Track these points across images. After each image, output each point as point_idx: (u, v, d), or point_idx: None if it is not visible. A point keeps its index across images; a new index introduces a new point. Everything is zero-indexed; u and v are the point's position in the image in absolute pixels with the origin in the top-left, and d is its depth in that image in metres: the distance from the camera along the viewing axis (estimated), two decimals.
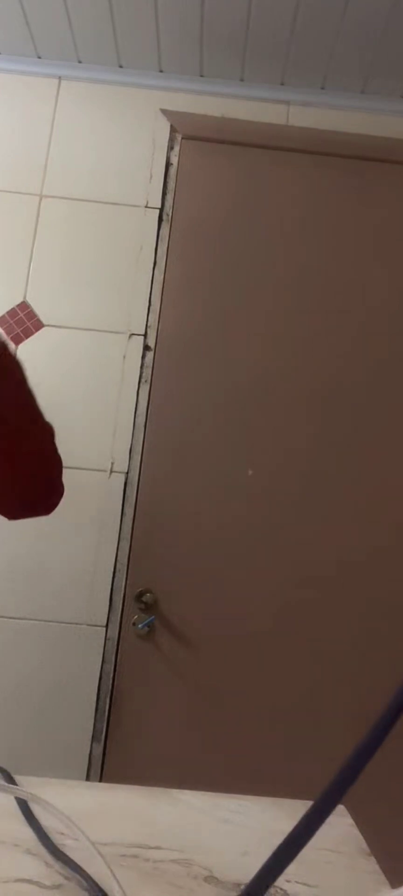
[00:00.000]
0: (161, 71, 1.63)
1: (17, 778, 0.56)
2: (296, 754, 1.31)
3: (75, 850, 0.46)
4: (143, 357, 1.51)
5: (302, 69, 1.57)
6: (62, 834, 0.48)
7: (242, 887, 0.28)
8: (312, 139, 1.61)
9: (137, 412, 1.48)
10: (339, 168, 1.60)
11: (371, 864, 0.49)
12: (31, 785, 0.56)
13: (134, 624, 1.37)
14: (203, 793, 0.59)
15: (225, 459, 1.46)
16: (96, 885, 0.41)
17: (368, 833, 0.55)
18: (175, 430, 1.47)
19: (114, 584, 1.41)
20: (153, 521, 1.43)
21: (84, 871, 0.43)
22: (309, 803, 0.26)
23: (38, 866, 0.44)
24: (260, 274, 1.55)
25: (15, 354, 0.71)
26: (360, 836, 0.54)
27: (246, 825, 0.54)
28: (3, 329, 1.50)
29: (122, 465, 1.46)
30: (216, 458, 1.46)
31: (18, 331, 1.50)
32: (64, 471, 1.45)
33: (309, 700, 1.36)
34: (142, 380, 1.50)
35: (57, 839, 0.47)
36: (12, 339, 1.50)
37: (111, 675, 1.37)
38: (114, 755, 1.34)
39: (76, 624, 1.39)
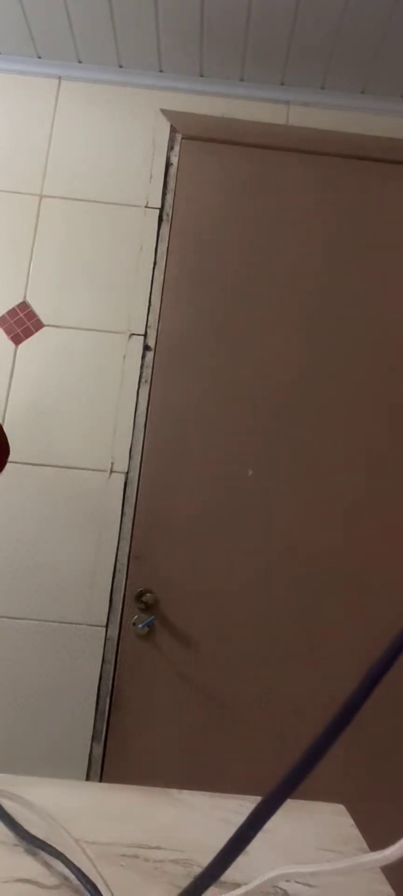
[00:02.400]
0: (161, 71, 1.63)
1: (17, 777, 0.56)
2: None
3: (75, 851, 0.46)
4: (143, 357, 1.51)
5: (302, 69, 1.57)
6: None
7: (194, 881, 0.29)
8: (312, 139, 1.61)
9: (137, 412, 1.48)
10: (339, 168, 1.60)
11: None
12: (30, 785, 0.56)
13: (134, 624, 1.37)
14: (203, 793, 0.59)
15: (225, 459, 1.46)
16: (82, 873, 0.41)
17: (368, 833, 0.55)
18: (175, 430, 1.47)
19: (114, 584, 1.41)
20: (153, 521, 1.43)
21: (69, 860, 0.43)
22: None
23: (38, 866, 0.44)
24: (259, 273, 1.55)
25: None
26: (360, 836, 0.54)
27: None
28: (3, 329, 1.51)
29: (122, 465, 1.46)
30: (216, 458, 1.46)
31: (18, 331, 1.51)
32: (64, 471, 1.46)
33: (309, 700, 1.36)
34: (142, 380, 1.50)
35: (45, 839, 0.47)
36: (12, 339, 1.50)
37: (111, 675, 1.37)
38: (114, 755, 1.34)
39: (76, 624, 1.39)
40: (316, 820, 0.56)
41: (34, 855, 0.45)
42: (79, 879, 0.41)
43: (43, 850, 0.44)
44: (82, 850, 0.45)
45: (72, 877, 0.42)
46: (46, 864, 0.45)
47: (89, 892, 0.40)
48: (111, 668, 1.37)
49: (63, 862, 0.43)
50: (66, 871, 0.43)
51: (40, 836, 0.47)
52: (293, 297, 1.54)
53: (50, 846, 0.45)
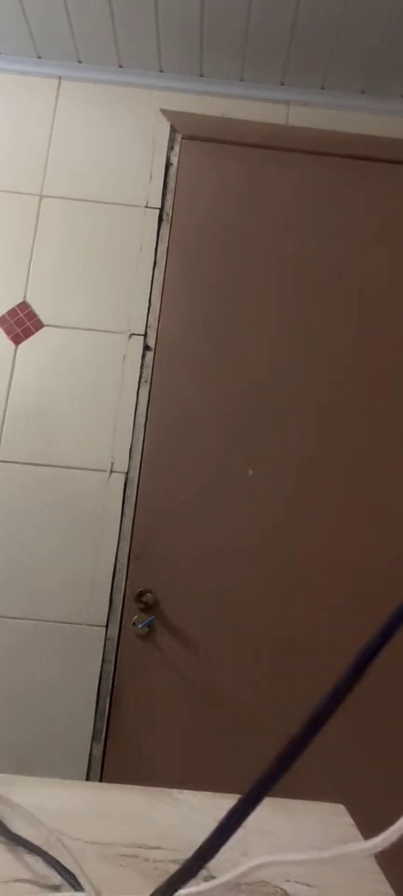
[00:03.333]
0: (161, 71, 1.63)
1: (17, 777, 0.56)
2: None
3: (75, 851, 0.46)
4: (143, 357, 1.51)
5: (302, 69, 1.57)
6: (62, 834, 0.48)
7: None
8: (312, 139, 1.61)
9: (137, 412, 1.48)
10: (339, 168, 1.60)
11: (371, 864, 0.49)
12: (29, 785, 0.56)
13: (134, 624, 1.37)
14: (203, 793, 0.59)
15: (225, 459, 1.46)
16: (60, 863, 0.41)
17: (368, 833, 0.54)
18: (175, 430, 1.47)
19: (114, 584, 1.41)
20: (153, 521, 1.43)
21: (49, 854, 0.43)
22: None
23: (38, 866, 0.44)
24: (259, 273, 1.55)
25: None
26: (360, 836, 0.54)
27: (246, 825, 0.54)
28: (3, 329, 1.51)
29: (122, 465, 1.46)
30: (216, 457, 1.46)
31: (18, 331, 1.50)
32: (64, 471, 1.46)
33: (310, 699, 1.35)
34: (142, 380, 1.50)
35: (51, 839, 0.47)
36: (12, 339, 1.50)
37: (111, 675, 1.37)
38: (114, 755, 1.34)
39: (76, 624, 1.39)
40: (315, 820, 0.56)
41: (33, 855, 0.45)
42: (62, 875, 0.41)
43: (30, 851, 0.44)
44: (63, 846, 0.45)
45: (78, 877, 0.42)
46: (46, 864, 0.45)
47: (72, 885, 0.40)
48: (111, 668, 1.37)
49: (47, 861, 0.43)
50: (29, 856, 0.43)
51: (37, 837, 0.47)
52: (292, 297, 1.54)
53: (32, 844, 0.44)
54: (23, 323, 1.51)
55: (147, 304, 1.53)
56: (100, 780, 1.32)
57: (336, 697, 0.25)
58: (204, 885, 0.38)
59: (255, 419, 1.48)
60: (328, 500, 1.45)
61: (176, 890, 0.30)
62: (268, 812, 0.57)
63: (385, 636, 0.24)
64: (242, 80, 1.63)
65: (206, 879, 0.45)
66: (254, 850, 0.48)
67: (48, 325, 1.51)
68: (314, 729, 0.25)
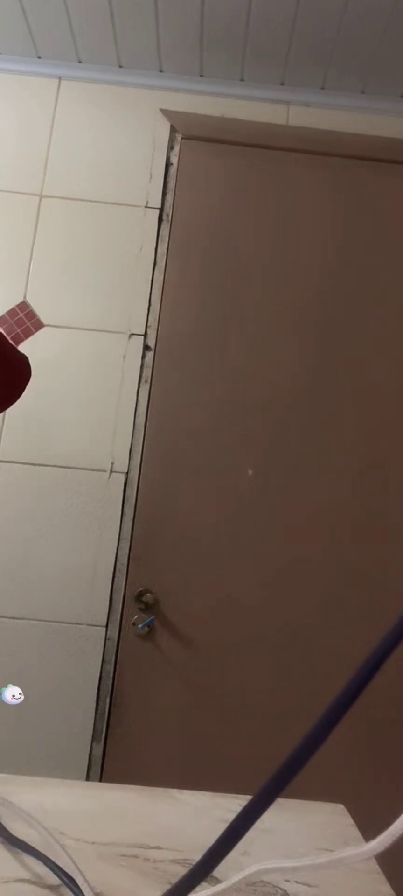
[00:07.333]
0: (161, 71, 1.63)
1: (17, 777, 0.56)
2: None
3: (75, 851, 0.46)
4: (143, 357, 1.51)
5: (302, 69, 1.57)
6: (62, 834, 0.48)
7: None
8: (312, 139, 1.61)
9: (137, 412, 1.48)
10: (339, 168, 1.60)
11: (371, 864, 0.49)
12: (30, 785, 0.56)
13: (134, 624, 1.37)
14: (203, 793, 0.59)
15: (225, 459, 1.46)
16: (58, 867, 0.41)
17: (368, 833, 0.54)
18: (175, 430, 1.47)
19: (114, 584, 1.41)
20: (153, 521, 1.43)
21: (45, 856, 0.43)
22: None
23: (38, 866, 0.44)
24: (259, 274, 1.55)
25: None
26: (360, 836, 0.54)
27: None
28: (4, 329, 1.50)
29: (122, 465, 1.46)
30: (216, 457, 1.46)
31: (18, 331, 1.50)
32: (64, 471, 1.46)
33: (309, 699, 1.35)
34: (142, 380, 1.50)
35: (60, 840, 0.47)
36: (12, 339, 1.50)
37: (111, 675, 1.37)
38: (114, 755, 1.34)
39: (76, 624, 1.39)
40: (315, 820, 0.56)
41: (33, 856, 0.45)
42: (60, 878, 0.41)
43: (26, 851, 0.44)
44: (62, 846, 0.45)
45: (75, 877, 0.42)
46: (46, 865, 0.45)
47: (70, 888, 0.40)
48: (111, 668, 1.37)
49: (45, 864, 0.43)
50: (69, 872, 0.43)
51: (37, 837, 0.47)
52: (293, 297, 1.54)
53: (32, 847, 0.44)
54: (23, 323, 1.51)
55: (147, 304, 1.53)
56: (100, 780, 1.32)
57: (346, 700, 0.25)
58: (208, 890, 0.38)
59: (256, 419, 1.48)
60: (329, 501, 1.44)
61: (185, 894, 0.30)
62: (269, 811, 0.57)
63: (394, 640, 0.23)
64: (242, 80, 1.63)
65: (206, 880, 0.45)
66: (255, 850, 0.48)
67: (48, 325, 1.51)
68: (325, 731, 0.25)
